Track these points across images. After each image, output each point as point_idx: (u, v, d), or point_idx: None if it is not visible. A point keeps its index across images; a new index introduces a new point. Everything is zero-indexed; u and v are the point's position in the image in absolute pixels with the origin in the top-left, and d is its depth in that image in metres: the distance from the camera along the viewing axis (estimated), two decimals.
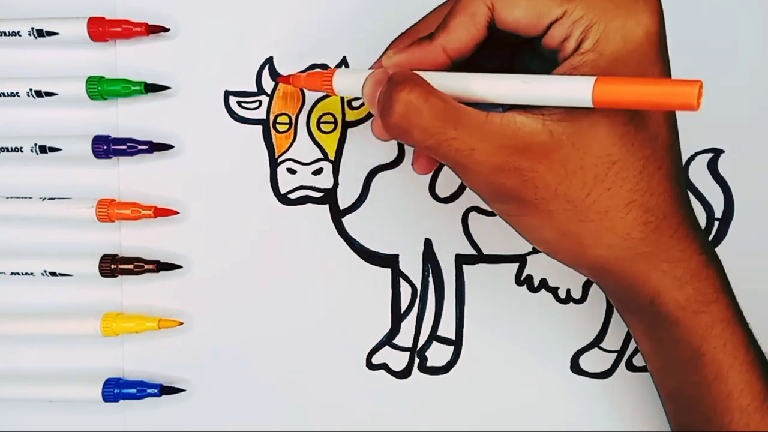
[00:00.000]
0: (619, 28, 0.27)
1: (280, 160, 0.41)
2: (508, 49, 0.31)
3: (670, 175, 0.29)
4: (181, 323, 0.41)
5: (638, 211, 0.28)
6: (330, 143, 0.41)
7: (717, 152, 0.41)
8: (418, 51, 0.30)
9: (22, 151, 0.40)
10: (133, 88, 0.40)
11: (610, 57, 0.27)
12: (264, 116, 0.41)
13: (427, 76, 0.29)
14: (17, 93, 0.40)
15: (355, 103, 0.41)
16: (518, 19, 0.28)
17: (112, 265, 0.40)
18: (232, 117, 0.41)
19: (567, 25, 0.27)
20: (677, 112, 0.41)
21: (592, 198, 0.28)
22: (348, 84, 0.34)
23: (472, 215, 0.41)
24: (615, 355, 0.41)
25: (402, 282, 0.41)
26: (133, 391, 0.40)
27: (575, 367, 0.41)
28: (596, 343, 0.41)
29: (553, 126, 0.27)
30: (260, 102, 0.41)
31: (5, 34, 0.40)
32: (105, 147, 0.40)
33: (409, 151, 0.41)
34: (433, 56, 0.30)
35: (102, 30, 0.40)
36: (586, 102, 0.25)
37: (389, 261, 0.41)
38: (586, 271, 0.31)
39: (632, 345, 0.41)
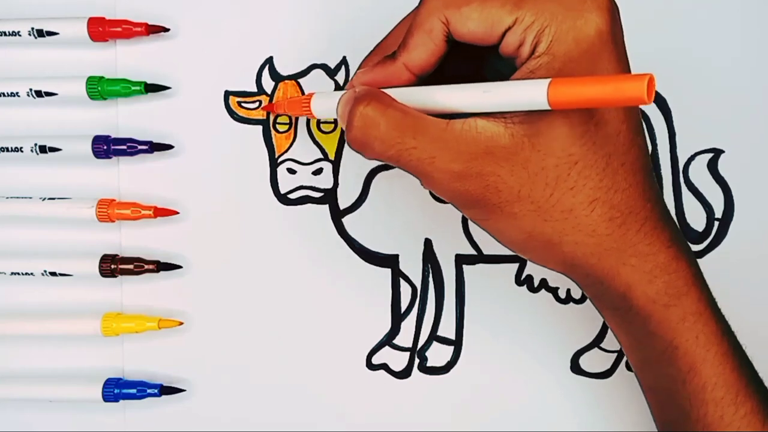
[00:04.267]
0: (570, 29, 0.27)
1: (280, 160, 0.41)
2: (478, 55, 0.31)
3: (634, 170, 0.29)
4: (181, 323, 0.41)
5: (603, 208, 0.29)
6: (330, 143, 0.41)
7: (717, 152, 0.41)
8: (382, 70, 0.31)
9: (22, 151, 0.40)
10: (133, 88, 0.40)
11: (563, 58, 0.27)
12: (264, 116, 0.41)
13: (393, 93, 0.30)
14: (17, 93, 0.40)
15: None
16: (473, 31, 0.28)
17: (112, 265, 0.40)
18: (232, 117, 0.41)
19: (519, 32, 0.28)
20: (677, 112, 0.41)
21: (556, 198, 0.28)
22: (324, 107, 0.35)
23: None
24: (615, 355, 0.41)
25: (402, 282, 0.41)
26: (133, 391, 0.40)
27: (575, 367, 0.41)
28: (596, 343, 0.41)
29: (514, 129, 0.28)
30: (260, 102, 0.41)
31: (5, 34, 0.40)
32: (105, 147, 0.40)
33: None
34: (398, 75, 0.30)
35: (102, 30, 0.40)
36: (543, 105, 0.26)
37: (389, 261, 0.41)
38: (557, 268, 0.31)
39: None
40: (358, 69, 0.33)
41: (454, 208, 0.31)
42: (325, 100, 0.35)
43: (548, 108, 0.26)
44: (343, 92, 0.32)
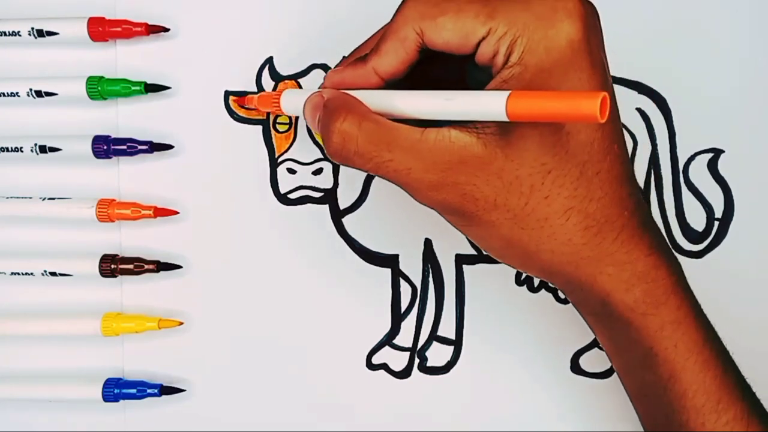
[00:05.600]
0: (542, 40, 0.27)
1: (280, 160, 0.41)
2: (457, 60, 0.31)
3: (610, 179, 0.29)
4: (181, 323, 0.41)
5: (578, 217, 0.29)
6: None
7: (717, 152, 0.41)
8: (352, 72, 0.31)
9: (22, 151, 0.40)
10: (133, 88, 0.40)
11: (534, 68, 0.27)
12: (264, 116, 0.41)
13: (360, 94, 0.30)
14: (17, 93, 0.40)
15: None
16: (447, 41, 0.29)
17: (112, 265, 0.40)
18: (232, 117, 0.41)
19: (493, 42, 0.28)
20: (677, 112, 0.41)
21: (531, 207, 0.28)
22: (294, 105, 0.35)
23: None
24: None
25: (402, 282, 0.41)
26: (133, 391, 0.40)
27: (575, 367, 0.41)
28: (596, 343, 0.41)
29: (486, 139, 0.28)
30: None
31: (5, 34, 0.40)
32: (105, 147, 0.40)
33: None
34: (366, 78, 0.31)
35: (102, 30, 0.40)
36: (502, 116, 0.26)
37: (389, 261, 0.41)
38: (537, 275, 0.31)
39: None
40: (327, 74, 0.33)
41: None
42: (296, 98, 0.35)
43: (506, 119, 0.26)
44: (310, 92, 0.32)
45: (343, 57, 0.34)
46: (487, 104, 0.27)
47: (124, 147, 0.40)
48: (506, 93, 0.26)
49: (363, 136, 0.29)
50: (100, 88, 0.40)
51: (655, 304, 0.30)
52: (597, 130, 0.28)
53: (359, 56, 0.32)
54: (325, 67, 0.41)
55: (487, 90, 0.28)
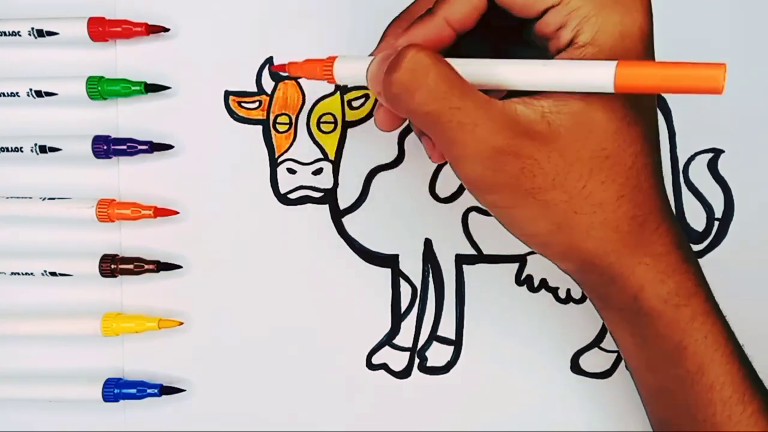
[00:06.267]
0: (617, 24, 0.27)
1: (280, 160, 0.41)
2: (494, 39, 0.30)
3: (654, 172, 0.29)
4: (181, 323, 0.41)
5: (628, 205, 0.29)
6: (330, 143, 0.41)
7: (717, 152, 0.41)
8: (421, 29, 0.29)
9: (22, 151, 0.40)
10: (133, 88, 0.40)
11: (608, 52, 0.27)
12: (264, 116, 0.41)
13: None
14: (17, 93, 0.40)
15: (355, 104, 0.41)
16: None
17: (112, 265, 0.40)
18: (232, 117, 0.41)
19: (564, 13, 0.27)
20: (677, 112, 0.41)
21: (588, 190, 0.28)
22: (350, 71, 0.32)
23: (472, 215, 0.41)
24: (615, 355, 0.41)
25: (402, 282, 0.41)
26: (133, 391, 0.40)
27: (575, 367, 0.41)
28: (596, 343, 0.41)
29: (551, 117, 0.27)
30: (260, 102, 0.41)
31: (5, 34, 0.40)
32: (105, 147, 0.40)
33: (409, 151, 0.41)
34: (437, 31, 0.29)
35: (102, 30, 0.40)
36: (608, 87, 0.25)
37: (389, 261, 0.41)
38: (573, 265, 0.31)
39: None
40: (381, 40, 0.31)
41: (460, 202, 0.31)
42: (351, 64, 0.31)
43: (611, 90, 0.25)
44: (371, 57, 0.30)
45: (388, 26, 0.31)
46: (590, 73, 0.25)
47: (124, 147, 0.40)
48: (613, 62, 0.25)
49: (438, 72, 0.27)
50: (100, 88, 0.40)
51: (687, 295, 0.30)
52: (653, 126, 0.29)
53: (418, 15, 0.29)
54: None
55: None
